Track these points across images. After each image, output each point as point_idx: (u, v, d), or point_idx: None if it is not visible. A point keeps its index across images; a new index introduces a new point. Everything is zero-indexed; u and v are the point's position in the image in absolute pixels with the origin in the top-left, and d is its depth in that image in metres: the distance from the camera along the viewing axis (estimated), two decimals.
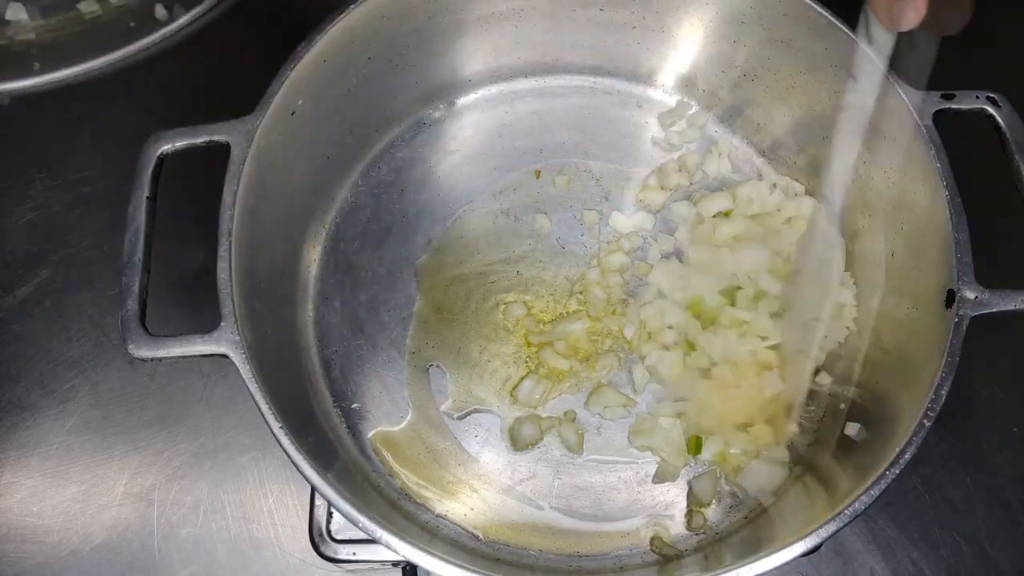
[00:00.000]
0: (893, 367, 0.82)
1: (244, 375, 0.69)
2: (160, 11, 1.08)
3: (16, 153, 1.04)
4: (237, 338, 0.70)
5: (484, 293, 0.93)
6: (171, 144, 0.77)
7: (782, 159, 0.99)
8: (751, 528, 0.82)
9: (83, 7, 1.10)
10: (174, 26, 1.08)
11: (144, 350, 0.71)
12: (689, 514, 0.84)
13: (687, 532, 0.84)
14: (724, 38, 0.94)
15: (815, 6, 0.84)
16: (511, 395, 0.89)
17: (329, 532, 0.81)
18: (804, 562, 0.86)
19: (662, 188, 0.98)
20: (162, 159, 0.77)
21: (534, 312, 0.92)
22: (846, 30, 0.82)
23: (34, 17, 1.10)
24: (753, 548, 0.74)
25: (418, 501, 0.84)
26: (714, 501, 0.85)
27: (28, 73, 1.06)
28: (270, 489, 0.89)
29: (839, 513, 0.66)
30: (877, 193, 0.87)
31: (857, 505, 0.66)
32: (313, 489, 0.73)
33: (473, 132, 1.01)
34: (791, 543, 0.65)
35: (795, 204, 0.95)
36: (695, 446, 0.86)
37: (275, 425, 0.68)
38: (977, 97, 0.80)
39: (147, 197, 0.75)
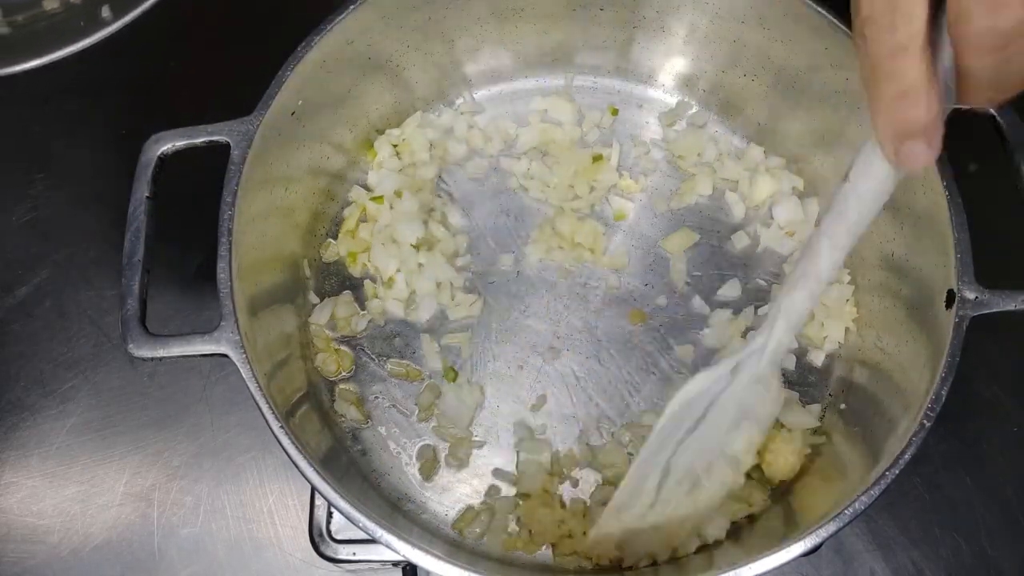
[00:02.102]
0: (893, 367, 0.82)
1: (244, 375, 0.69)
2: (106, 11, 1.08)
3: (16, 153, 1.05)
4: (237, 338, 0.70)
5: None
6: (171, 144, 0.77)
7: (783, 158, 0.99)
8: (750, 529, 0.82)
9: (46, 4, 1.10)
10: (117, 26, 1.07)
11: (144, 350, 0.71)
12: None
13: None
14: (724, 38, 0.94)
15: (815, 6, 0.84)
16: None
17: (329, 532, 0.81)
18: (804, 562, 0.86)
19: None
20: (162, 159, 0.77)
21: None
22: (846, 30, 0.82)
23: None
24: (752, 548, 0.74)
25: (418, 501, 0.84)
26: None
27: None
28: (270, 489, 0.89)
29: (839, 513, 0.66)
30: None
31: (857, 505, 0.66)
32: (313, 489, 0.73)
33: (473, 132, 1.01)
34: (791, 543, 0.65)
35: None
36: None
37: (275, 425, 0.68)
38: None
39: (147, 197, 0.75)
